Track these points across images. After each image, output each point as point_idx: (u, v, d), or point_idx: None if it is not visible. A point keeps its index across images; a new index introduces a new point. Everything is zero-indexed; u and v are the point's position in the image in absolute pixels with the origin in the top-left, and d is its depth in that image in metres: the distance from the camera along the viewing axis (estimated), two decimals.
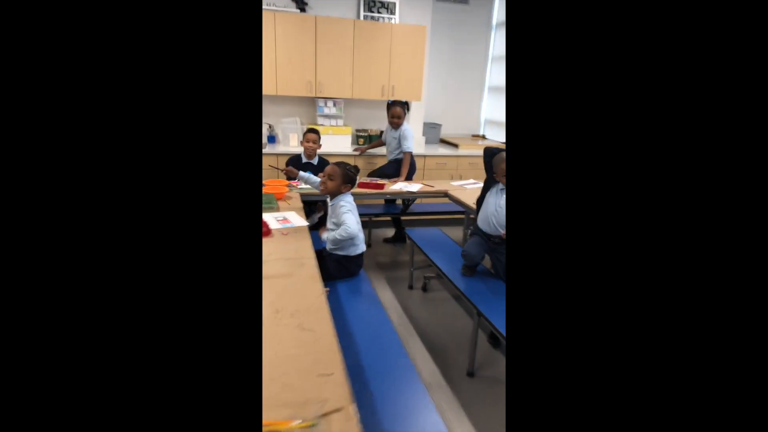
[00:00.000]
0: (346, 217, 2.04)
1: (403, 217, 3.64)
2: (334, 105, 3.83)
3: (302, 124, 3.89)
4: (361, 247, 2.14)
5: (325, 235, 2.15)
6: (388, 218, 3.79)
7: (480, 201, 2.29)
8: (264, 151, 3.60)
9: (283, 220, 2.08)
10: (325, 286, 1.77)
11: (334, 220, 2.10)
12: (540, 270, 0.60)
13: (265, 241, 1.80)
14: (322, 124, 3.82)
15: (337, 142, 3.78)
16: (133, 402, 0.57)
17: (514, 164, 0.64)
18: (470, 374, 2.03)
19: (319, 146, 3.12)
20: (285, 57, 3.55)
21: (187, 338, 0.59)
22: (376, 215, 3.58)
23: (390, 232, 3.87)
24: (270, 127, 3.89)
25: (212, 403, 0.58)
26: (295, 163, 3.12)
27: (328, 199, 2.16)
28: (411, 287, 2.91)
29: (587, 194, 0.59)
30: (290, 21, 3.49)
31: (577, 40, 0.59)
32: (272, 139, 3.89)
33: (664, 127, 0.56)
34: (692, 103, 0.55)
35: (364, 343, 1.54)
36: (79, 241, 0.57)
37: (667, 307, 0.55)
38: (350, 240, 2.05)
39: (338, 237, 2.03)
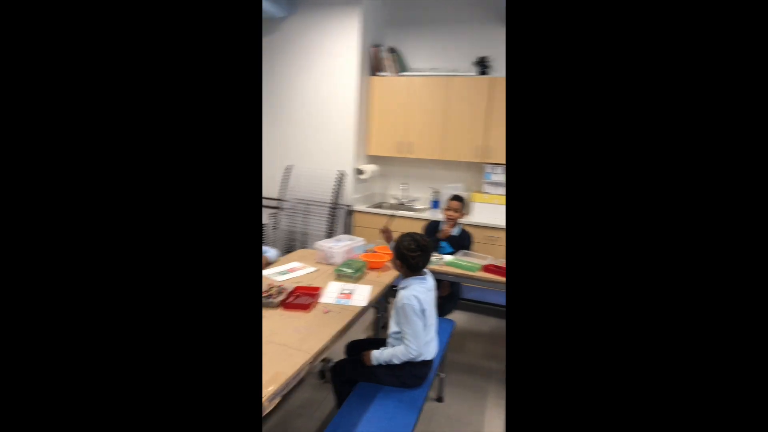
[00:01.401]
0: (412, 327, 1.50)
1: None
2: (503, 172, 3.34)
3: (467, 190, 3.55)
4: (428, 354, 1.60)
5: (375, 358, 1.59)
6: None
7: None
8: (424, 216, 3.44)
9: (346, 295, 1.81)
10: (365, 389, 1.40)
11: (395, 319, 1.60)
12: (539, 272, 0.66)
13: (296, 315, 1.58)
14: (488, 192, 3.37)
15: (502, 214, 3.24)
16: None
17: (514, 172, 0.71)
18: None
19: (462, 215, 2.74)
20: (456, 121, 3.38)
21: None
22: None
23: None
24: (435, 192, 3.73)
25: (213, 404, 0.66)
26: (432, 229, 2.83)
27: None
28: None
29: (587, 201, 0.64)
30: (464, 84, 3.32)
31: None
32: (436, 204, 3.70)
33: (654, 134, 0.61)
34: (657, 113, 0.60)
35: None
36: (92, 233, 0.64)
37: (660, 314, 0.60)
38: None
39: (394, 361, 1.54)
